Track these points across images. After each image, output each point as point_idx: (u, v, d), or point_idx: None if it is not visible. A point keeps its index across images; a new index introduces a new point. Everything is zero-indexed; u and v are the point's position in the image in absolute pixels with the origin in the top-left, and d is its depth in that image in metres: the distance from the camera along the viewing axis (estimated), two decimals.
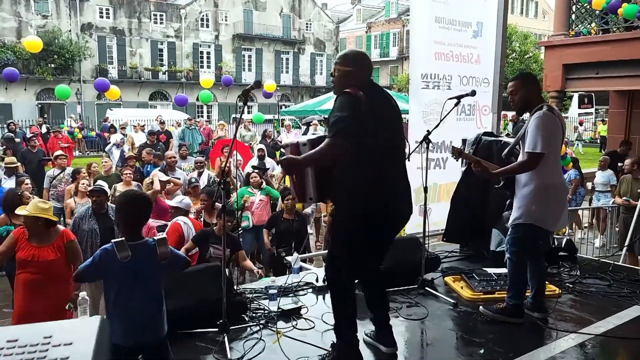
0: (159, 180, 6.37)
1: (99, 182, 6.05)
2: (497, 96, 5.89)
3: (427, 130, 3.76)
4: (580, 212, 9.05)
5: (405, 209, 2.89)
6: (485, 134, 4.64)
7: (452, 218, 4.69)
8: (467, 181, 4.48)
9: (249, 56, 36.96)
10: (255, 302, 3.60)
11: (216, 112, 35.58)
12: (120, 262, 2.49)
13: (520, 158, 3.36)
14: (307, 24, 39.36)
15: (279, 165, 2.86)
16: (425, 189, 3.90)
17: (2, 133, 14.46)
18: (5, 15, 28.57)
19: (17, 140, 11.44)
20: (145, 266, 2.59)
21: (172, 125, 19.04)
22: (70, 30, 30.17)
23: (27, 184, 6.36)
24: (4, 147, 10.77)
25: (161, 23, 33.36)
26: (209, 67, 35.15)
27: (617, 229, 7.70)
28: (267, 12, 36.95)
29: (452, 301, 3.64)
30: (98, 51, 31.17)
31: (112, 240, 2.55)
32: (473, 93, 3.82)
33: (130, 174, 7.21)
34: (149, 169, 8.35)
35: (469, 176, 4.40)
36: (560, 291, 3.84)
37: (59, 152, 8.18)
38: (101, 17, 31.40)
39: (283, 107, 37.29)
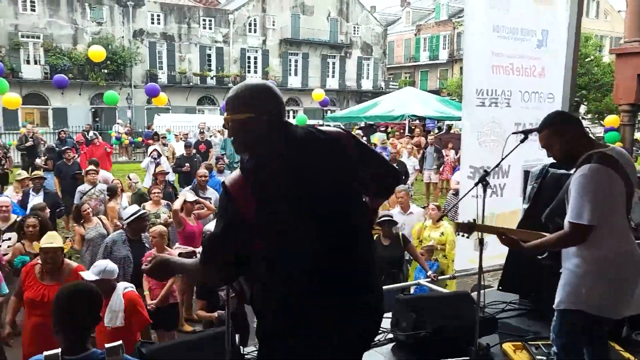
0: (186, 200, 5.98)
1: (133, 206, 5.68)
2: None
3: (485, 170, 3.16)
4: None
5: (364, 313, 1.92)
6: (553, 164, 3.96)
7: (511, 262, 4.03)
8: (531, 220, 3.82)
9: (296, 61, 36.76)
10: None
11: None
12: None
13: (565, 222, 2.58)
14: (354, 27, 38.80)
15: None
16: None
17: (55, 137, 14.61)
18: (63, 23, 29.45)
19: (64, 148, 11.38)
20: None
21: (219, 131, 18.85)
22: (122, 37, 30.82)
23: (46, 209, 6.10)
24: (45, 157, 10.78)
25: (210, 28, 33.62)
26: (255, 72, 35.16)
27: None
28: (314, 17, 36.65)
29: None
30: (149, 56, 31.70)
31: (44, 354, 2.01)
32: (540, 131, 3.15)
33: (159, 192, 6.89)
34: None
35: (533, 214, 3.74)
36: None
37: (91, 167, 7.99)
38: (152, 23, 31.93)
39: (328, 112, 36.90)
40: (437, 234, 6.24)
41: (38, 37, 28.87)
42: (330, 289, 1.84)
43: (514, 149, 3.16)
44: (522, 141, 3.09)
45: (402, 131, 19.76)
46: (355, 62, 39.08)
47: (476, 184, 3.08)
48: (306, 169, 1.86)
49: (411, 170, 10.81)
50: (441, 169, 11.96)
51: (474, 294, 3.80)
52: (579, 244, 2.51)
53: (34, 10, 28.63)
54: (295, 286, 1.83)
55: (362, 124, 24.55)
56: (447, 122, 23.83)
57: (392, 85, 41.96)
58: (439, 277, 5.29)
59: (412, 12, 47.75)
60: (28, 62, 28.68)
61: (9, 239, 5.71)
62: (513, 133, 3.22)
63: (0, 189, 11.22)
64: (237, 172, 1.90)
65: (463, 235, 3.19)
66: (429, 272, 5.32)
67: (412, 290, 5.49)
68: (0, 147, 11.87)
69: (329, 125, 24.75)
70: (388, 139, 21.44)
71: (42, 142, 13.89)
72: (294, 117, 36.34)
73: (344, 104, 38.44)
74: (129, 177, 8.09)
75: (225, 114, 1.99)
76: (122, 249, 5.01)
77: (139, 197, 7.29)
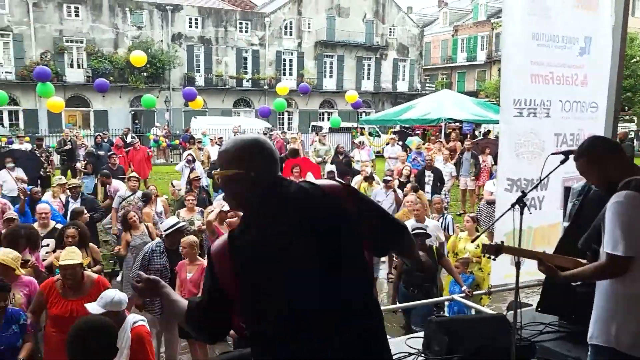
0: (221, 210, 6.00)
1: (172, 219, 5.70)
2: (610, 124, 4.93)
3: (522, 192, 3.01)
4: None
5: (364, 314, 1.84)
6: None
7: (550, 283, 3.86)
8: (572, 239, 3.64)
9: (331, 63, 36.74)
10: None
11: (297, 119, 35.67)
12: None
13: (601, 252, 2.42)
14: (390, 29, 38.50)
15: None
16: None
17: (99, 135, 14.96)
18: (104, 27, 30.28)
19: (101, 153, 11.69)
20: None
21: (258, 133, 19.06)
22: (161, 40, 31.46)
23: (85, 213, 6.21)
24: (85, 161, 11.05)
25: (246, 32, 33.96)
26: (290, 74, 35.31)
27: None
28: (350, 19, 36.55)
29: None
30: (186, 60, 32.25)
31: None
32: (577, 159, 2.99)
33: (193, 199, 6.94)
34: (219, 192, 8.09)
35: (573, 233, 3.57)
36: None
37: (133, 173, 8.15)
38: (190, 27, 32.47)
39: (363, 114, 36.74)
40: (473, 246, 6.08)
41: (81, 42, 29.77)
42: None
43: (553, 170, 3.01)
44: (562, 162, 2.94)
45: (437, 134, 19.48)
46: (390, 63, 38.78)
47: (513, 206, 2.95)
48: (296, 231, 1.75)
49: (448, 177, 10.59)
50: (478, 175, 11.70)
51: (511, 313, 3.66)
52: (617, 277, 2.35)
53: (77, 16, 29.54)
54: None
55: (397, 128, 24.37)
56: (484, 126, 23.36)
57: (429, 87, 41.45)
58: (474, 292, 5.14)
59: (449, 13, 47.10)
60: (71, 66, 29.61)
61: (48, 245, 5.87)
62: (553, 154, 3.06)
63: (42, 192, 11.57)
64: (224, 235, 1.85)
65: (489, 257, 3.06)
66: (464, 287, 5.17)
67: (446, 305, 5.37)
68: (43, 150, 12.23)
69: (363, 128, 24.67)
70: (425, 141, 21.18)
71: (83, 145, 14.27)
72: (328, 119, 36.44)
73: (379, 106, 38.18)
74: (172, 183, 8.17)
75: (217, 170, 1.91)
76: (160, 259, 5.03)
77: (181, 204, 7.38)
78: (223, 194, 7.56)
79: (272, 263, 1.72)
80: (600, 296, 2.48)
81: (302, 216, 1.78)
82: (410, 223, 6.24)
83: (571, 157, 2.80)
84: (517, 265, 2.93)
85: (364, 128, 24.76)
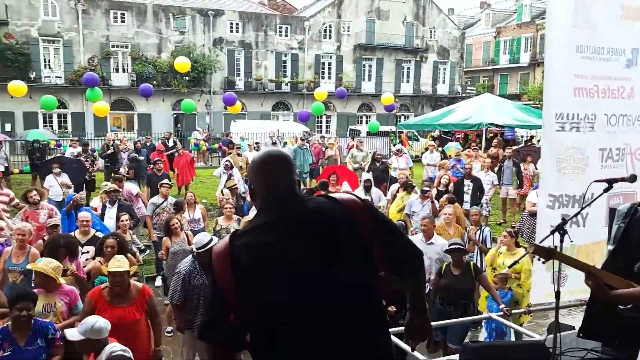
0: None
1: (205, 236, 5.74)
2: None
3: (563, 218, 2.90)
4: None
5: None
6: None
7: (593, 306, 3.70)
8: (617, 263, 3.49)
9: (370, 66, 36.59)
10: None
11: (334, 122, 35.69)
12: None
13: None
14: (431, 31, 38.04)
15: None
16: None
17: (139, 141, 15.33)
18: (149, 32, 31.11)
19: (141, 158, 11.96)
20: None
21: (291, 138, 19.14)
22: (203, 45, 32.06)
23: (123, 220, 6.36)
24: (128, 166, 11.35)
25: (286, 35, 34.22)
26: (329, 77, 35.37)
27: None
28: (389, 21, 36.32)
29: None
30: (227, 64, 32.75)
31: None
32: (633, 179, 2.86)
33: (230, 207, 7.01)
34: None
35: (619, 256, 3.41)
36: None
37: (165, 180, 8.29)
38: (231, 31, 32.97)
39: (402, 117, 36.41)
40: (512, 262, 5.92)
41: (126, 47, 30.67)
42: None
43: (596, 198, 2.89)
44: (605, 190, 2.81)
45: (476, 140, 19.10)
46: (430, 66, 38.33)
47: (552, 232, 2.84)
48: (294, 233, 1.80)
49: (489, 185, 10.32)
50: (520, 184, 11.39)
51: (550, 337, 3.54)
52: None
53: (123, 22, 30.45)
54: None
55: (436, 132, 24.00)
56: (527, 130, 22.75)
57: (470, 89, 40.74)
58: (513, 311, 5.00)
59: (492, 14, 46.13)
60: (117, 70, 30.55)
61: (88, 252, 6.06)
62: (596, 181, 2.93)
63: (87, 196, 11.97)
64: (225, 239, 1.89)
65: (539, 260, 2.94)
66: (502, 306, 5.03)
67: (483, 321, 5.24)
68: (89, 154, 12.63)
69: (402, 132, 24.43)
70: (467, 146, 20.78)
71: (126, 149, 14.64)
72: (366, 123, 36.31)
73: (418, 109, 37.79)
74: (222, 192, 8.23)
75: None
76: (200, 276, 5.02)
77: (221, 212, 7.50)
78: None
79: (269, 263, 1.76)
80: None
81: (302, 219, 1.83)
82: (417, 238, 6.10)
83: (615, 163, 2.68)
84: (557, 295, 2.82)
85: (402, 132, 24.55)
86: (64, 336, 3.55)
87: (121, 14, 30.37)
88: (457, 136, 25.12)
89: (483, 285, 5.36)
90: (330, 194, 1.98)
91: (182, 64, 13.09)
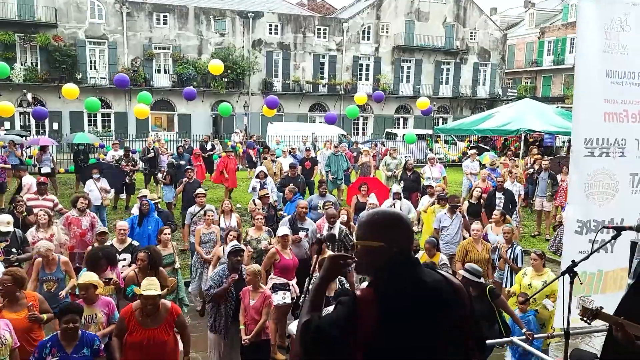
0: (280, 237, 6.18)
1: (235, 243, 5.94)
2: None
3: (573, 261, 2.89)
4: None
5: None
6: None
7: (612, 340, 3.65)
8: (638, 298, 3.43)
9: (408, 68, 36.30)
10: None
11: (371, 124, 35.60)
12: None
13: None
14: (471, 32, 37.43)
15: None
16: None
17: (181, 146, 15.68)
18: (190, 35, 31.79)
19: (182, 163, 12.22)
20: None
21: (326, 142, 19.15)
22: (242, 47, 32.52)
23: (166, 233, 6.59)
24: (165, 172, 11.67)
25: (324, 37, 34.34)
26: (367, 79, 35.29)
27: None
28: (429, 23, 35.94)
29: None
30: (265, 65, 33.13)
31: None
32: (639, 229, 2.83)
33: (261, 218, 7.13)
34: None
35: (638, 291, 3.36)
36: None
37: (200, 190, 8.48)
38: (270, 33, 33.32)
39: (440, 120, 35.99)
40: (540, 282, 5.85)
41: (168, 48, 31.45)
42: None
43: (605, 244, 2.87)
44: (613, 237, 2.80)
45: (515, 147, 18.71)
46: (470, 68, 37.73)
47: (562, 274, 2.84)
48: (431, 313, 1.85)
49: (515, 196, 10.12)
50: (555, 196, 11.14)
51: None
52: None
53: (165, 24, 31.23)
54: None
55: (473, 139, 23.59)
56: (568, 138, 22.13)
57: (511, 92, 39.89)
58: (536, 336, 4.95)
59: (536, 14, 44.92)
60: (158, 71, 31.37)
61: (125, 259, 6.33)
62: (603, 227, 2.91)
63: (127, 199, 12.41)
64: (366, 287, 1.92)
65: (586, 321, 2.97)
66: (524, 330, 5.00)
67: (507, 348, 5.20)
68: (130, 159, 13.07)
69: (438, 136, 24.16)
70: (506, 150, 20.39)
71: (166, 153, 15.04)
72: (404, 126, 36.03)
73: (457, 111, 37.28)
74: (254, 202, 8.37)
75: (354, 238, 2.04)
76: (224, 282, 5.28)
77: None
78: (288, 217, 7.77)
79: (395, 329, 1.80)
80: None
81: (424, 292, 1.87)
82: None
83: (624, 232, 2.66)
84: (567, 336, 2.82)
85: (439, 136, 24.28)
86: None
87: (164, 16, 31.15)
88: (494, 140, 24.68)
89: (503, 309, 5.32)
90: (445, 275, 2.01)
91: (216, 66, 13.30)
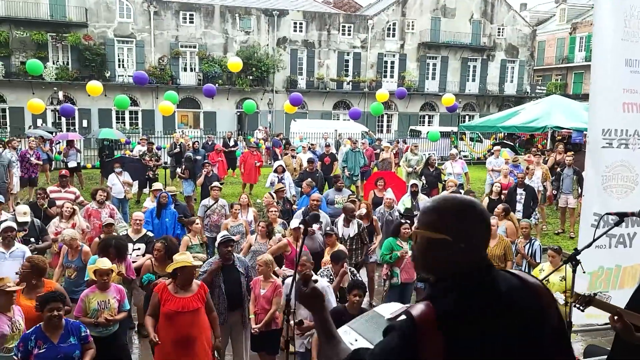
0: (291, 229, 6.18)
1: (225, 232, 6.02)
2: None
3: (575, 249, 2.79)
4: None
5: None
6: None
7: (620, 340, 3.53)
8: None
9: (434, 64, 35.91)
10: None
11: (396, 121, 35.35)
12: None
13: None
14: (499, 29, 36.79)
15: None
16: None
17: (197, 141, 15.87)
18: (215, 33, 32.10)
19: (198, 158, 12.40)
20: None
21: (348, 139, 19.10)
22: (267, 45, 32.68)
23: (197, 223, 6.77)
24: (184, 166, 11.81)
25: (349, 34, 34.24)
26: (392, 76, 35.05)
27: None
28: (455, 19, 35.47)
29: None
30: (290, 63, 33.22)
31: None
32: None
33: (275, 211, 7.16)
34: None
35: None
36: None
37: (215, 183, 8.56)
38: (295, 31, 33.39)
39: (467, 117, 35.50)
40: (558, 278, 5.70)
41: (194, 47, 31.81)
42: None
43: (608, 230, 2.77)
44: (616, 224, 2.70)
45: (542, 144, 18.33)
46: (498, 65, 37.11)
47: (565, 262, 2.76)
48: (507, 326, 1.50)
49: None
50: (580, 192, 10.85)
51: None
52: None
53: (192, 22, 31.59)
54: None
55: (499, 136, 23.16)
56: None
57: (540, 89, 39.08)
58: None
59: (567, 9, 43.87)
60: (185, 69, 31.76)
61: (139, 248, 6.45)
62: (607, 214, 2.81)
63: (139, 193, 12.57)
64: (425, 305, 1.51)
65: (579, 308, 2.94)
66: None
67: None
68: (153, 154, 13.25)
69: (464, 133, 23.84)
70: (530, 147, 19.98)
71: (190, 148, 15.22)
72: (429, 123, 35.66)
73: (484, 109, 36.72)
74: (271, 194, 8.41)
75: (416, 223, 1.65)
76: (216, 277, 5.28)
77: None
78: (301, 209, 7.78)
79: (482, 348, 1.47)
80: None
81: (517, 325, 1.53)
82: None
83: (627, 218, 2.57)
84: (569, 326, 2.73)
85: (464, 133, 23.96)
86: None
87: (190, 15, 31.52)
88: (522, 138, 24.23)
89: None
90: (523, 277, 1.65)
91: (234, 64, 13.40)
